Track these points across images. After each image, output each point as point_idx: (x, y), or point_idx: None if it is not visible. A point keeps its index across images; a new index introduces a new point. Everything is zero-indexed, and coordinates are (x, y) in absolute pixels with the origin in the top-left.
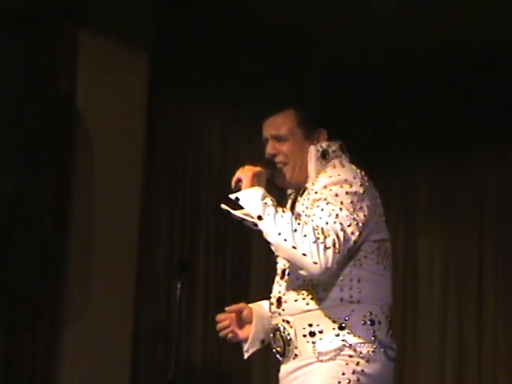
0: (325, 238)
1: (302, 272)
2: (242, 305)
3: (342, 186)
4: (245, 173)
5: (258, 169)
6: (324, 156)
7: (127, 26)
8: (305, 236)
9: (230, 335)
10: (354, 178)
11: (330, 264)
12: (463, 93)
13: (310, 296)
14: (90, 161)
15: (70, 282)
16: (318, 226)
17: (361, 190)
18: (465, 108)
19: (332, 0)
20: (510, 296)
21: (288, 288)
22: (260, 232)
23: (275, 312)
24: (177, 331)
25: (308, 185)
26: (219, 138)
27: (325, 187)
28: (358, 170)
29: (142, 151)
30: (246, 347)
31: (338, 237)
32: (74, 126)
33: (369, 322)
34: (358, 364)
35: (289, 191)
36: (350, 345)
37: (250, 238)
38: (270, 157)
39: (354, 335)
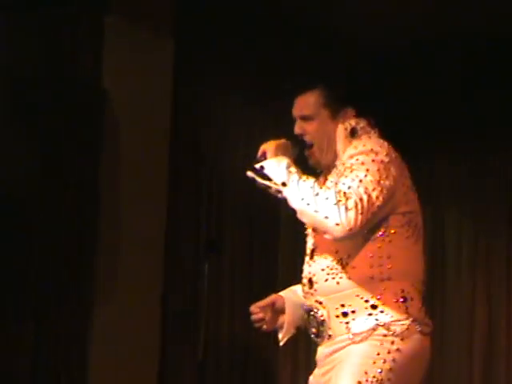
0: (347, 199)
1: (326, 236)
2: (272, 298)
3: (367, 155)
4: (269, 145)
5: (282, 141)
6: (353, 134)
7: (152, 9)
8: (327, 199)
9: (264, 327)
10: (381, 147)
11: (352, 225)
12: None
13: (339, 275)
14: (117, 144)
15: (99, 266)
16: (340, 190)
17: (387, 159)
18: (481, 95)
19: None
20: None
21: (317, 268)
22: (284, 200)
23: (308, 293)
24: (205, 312)
25: (338, 162)
26: (245, 121)
27: (351, 157)
28: (386, 143)
29: (168, 134)
30: (281, 335)
31: (361, 199)
32: (101, 111)
33: (401, 300)
34: (392, 343)
35: (318, 170)
36: (384, 324)
37: (278, 219)
38: (299, 136)
39: (387, 314)
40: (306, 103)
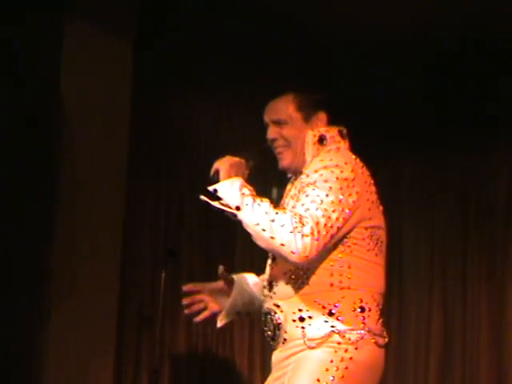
0: (302, 226)
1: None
2: (200, 286)
3: (332, 171)
4: (222, 164)
5: (235, 159)
6: (321, 141)
7: (112, 13)
8: (282, 226)
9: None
10: (346, 163)
11: (308, 252)
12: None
13: (300, 280)
14: (74, 147)
15: (55, 270)
16: (296, 214)
17: (351, 176)
18: (442, 97)
19: None
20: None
21: (279, 272)
22: (240, 222)
23: (267, 295)
24: (161, 318)
25: (304, 170)
26: (205, 124)
27: (315, 171)
28: (353, 156)
29: (126, 138)
30: (220, 317)
31: (317, 224)
32: (58, 113)
33: (358, 309)
34: (346, 351)
35: (289, 175)
36: (339, 331)
37: (235, 225)
38: (271, 141)
39: (344, 322)
40: (280, 108)
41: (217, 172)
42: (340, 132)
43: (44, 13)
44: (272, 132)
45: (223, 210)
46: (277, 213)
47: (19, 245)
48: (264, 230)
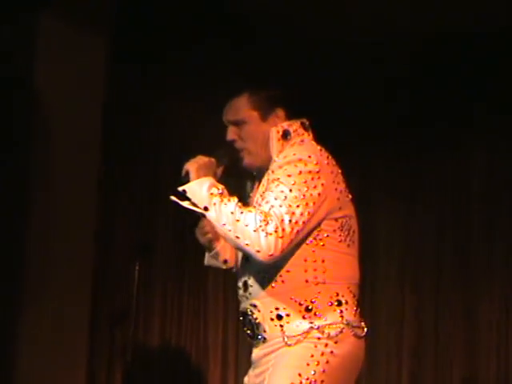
0: (266, 224)
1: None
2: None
3: (296, 165)
4: (192, 164)
5: (205, 159)
6: (285, 136)
7: (88, 9)
8: (246, 226)
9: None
10: (310, 156)
11: (273, 250)
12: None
13: (274, 278)
14: (48, 143)
15: (27, 265)
16: (262, 213)
17: (316, 168)
18: (417, 96)
19: None
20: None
21: (253, 271)
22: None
23: (243, 296)
24: (134, 314)
25: (270, 166)
26: (179, 121)
27: (280, 167)
28: (319, 147)
29: (99, 134)
30: (206, 256)
31: (282, 221)
32: (32, 107)
33: (336, 303)
34: (326, 346)
35: (254, 173)
36: (318, 327)
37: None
38: (231, 142)
39: (321, 317)
40: (236, 108)
41: (187, 173)
42: (303, 124)
43: (18, 12)
44: (230, 133)
45: (192, 211)
46: (242, 212)
47: None
48: (230, 231)
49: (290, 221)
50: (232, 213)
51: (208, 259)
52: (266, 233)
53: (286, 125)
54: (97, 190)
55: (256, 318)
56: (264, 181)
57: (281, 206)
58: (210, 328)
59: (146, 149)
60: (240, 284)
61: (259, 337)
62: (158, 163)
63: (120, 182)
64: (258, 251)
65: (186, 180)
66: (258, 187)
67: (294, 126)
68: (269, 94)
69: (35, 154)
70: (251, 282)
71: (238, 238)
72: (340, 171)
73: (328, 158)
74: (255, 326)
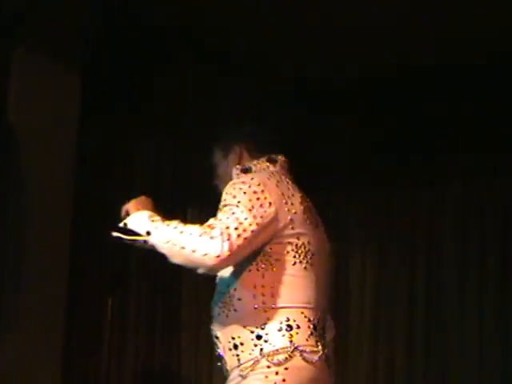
0: (211, 229)
1: (200, 271)
2: None
3: (240, 188)
4: (130, 204)
5: (142, 197)
6: (245, 171)
7: (60, 42)
8: (191, 234)
9: None
10: (252, 178)
11: (219, 252)
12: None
13: (228, 308)
14: (22, 174)
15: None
16: (206, 224)
17: (259, 188)
18: (396, 124)
19: None
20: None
21: (214, 303)
22: (152, 250)
23: (211, 329)
24: (107, 350)
25: None
26: (153, 152)
27: (226, 193)
28: (271, 173)
29: (74, 165)
30: None
31: (227, 227)
32: (6, 140)
33: (285, 328)
34: (277, 374)
35: None
36: (267, 354)
37: None
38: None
39: (271, 343)
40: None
41: (127, 212)
42: (269, 158)
43: None
44: (214, 175)
45: (135, 240)
46: (185, 225)
47: None
48: (175, 245)
49: (237, 228)
50: (175, 227)
51: None
52: (211, 236)
53: (247, 164)
54: (71, 220)
55: (220, 352)
56: None
57: (227, 218)
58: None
59: (117, 176)
60: (211, 315)
61: (224, 370)
62: (131, 192)
63: (93, 212)
64: (205, 254)
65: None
66: None
67: (258, 162)
68: (229, 134)
69: (8, 182)
70: (213, 313)
71: (183, 248)
72: (300, 195)
73: (279, 182)
74: (220, 360)
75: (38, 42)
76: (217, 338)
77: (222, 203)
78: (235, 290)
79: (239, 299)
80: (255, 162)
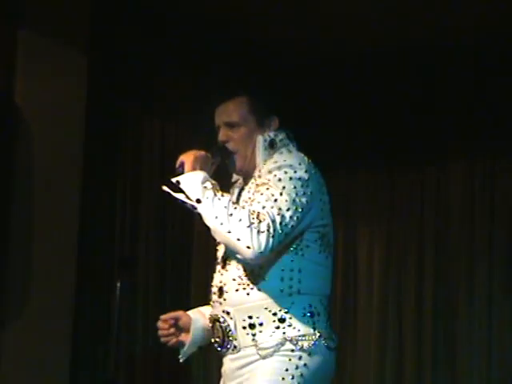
0: (259, 222)
1: (238, 256)
2: (178, 313)
3: (286, 172)
4: (187, 157)
5: (201, 153)
6: (272, 145)
7: (66, 24)
8: (240, 220)
9: (172, 341)
10: (300, 163)
11: (263, 248)
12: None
13: (250, 286)
14: (29, 159)
15: (9, 282)
16: (254, 211)
17: (305, 176)
18: (400, 112)
19: None
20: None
21: (229, 278)
22: (199, 216)
23: (216, 302)
24: (116, 330)
25: (255, 173)
26: (159, 133)
27: (269, 172)
28: (306, 158)
29: (81, 150)
30: (182, 352)
31: (273, 221)
32: (13, 124)
33: (308, 314)
34: (300, 358)
35: (234, 179)
36: (291, 338)
37: (191, 235)
38: (222, 144)
39: (295, 328)
40: (233, 109)
41: (182, 164)
42: (287, 135)
43: None
44: (223, 134)
45: (184, 202)
46: (235, 208)
47: None
48: (222, 224)
49: (281, 223)
50: (225, 207)
51: (183, 355)
52: (259, 230)
53: (272, 134)
54: (80, 204)
55: (228, 326)
56: (249, 187)
57: (272, 208)
58: None
59: (127, 162)
60: (215, 289)
61: (228, 345)
62: (140, 177)
63: (101, 195)
64: (249, 247)
65: (181, 172)
66: (239, 193)
67: (280, 135)
68: (268, 100)
69: (17, 171)
70: (227, 288)
71: (229, 232)
72: (324, 182)
73: (315, 168)
74: (226, 334)
75: (41, 24)
76: (227, 313)
77: (264, 181)
78: (260, 268)
79: (264, 279)
80: (276, 133)
